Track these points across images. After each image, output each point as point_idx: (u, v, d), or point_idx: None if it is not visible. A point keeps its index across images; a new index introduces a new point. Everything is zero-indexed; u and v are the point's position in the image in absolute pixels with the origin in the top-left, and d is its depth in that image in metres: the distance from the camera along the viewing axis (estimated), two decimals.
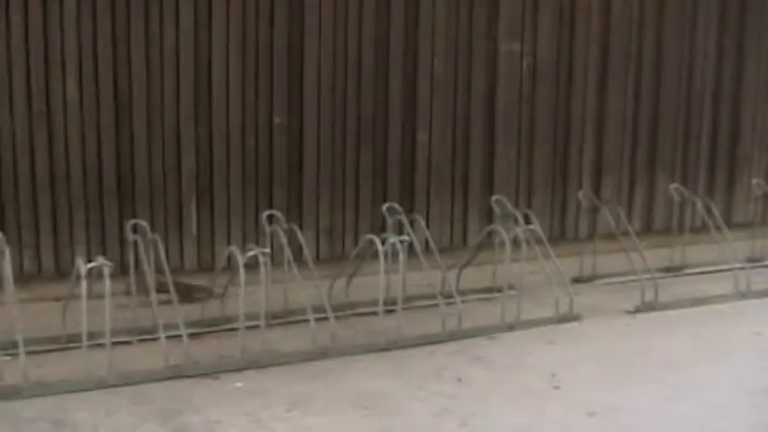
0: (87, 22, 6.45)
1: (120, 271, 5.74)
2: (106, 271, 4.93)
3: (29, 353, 4.89)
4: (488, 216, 7.20)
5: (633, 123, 8.16)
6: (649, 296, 6.41)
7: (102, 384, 4.94)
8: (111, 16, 6.50)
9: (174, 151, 6.79)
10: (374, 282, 5.71)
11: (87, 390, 4.90)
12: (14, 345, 4.85)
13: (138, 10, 6.55)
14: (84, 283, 4.89)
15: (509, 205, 6.52)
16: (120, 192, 6.67)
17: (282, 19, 6.92)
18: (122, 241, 6.23)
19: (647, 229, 8.16)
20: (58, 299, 5.70)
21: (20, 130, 6.42)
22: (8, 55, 6.32)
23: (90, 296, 4.92)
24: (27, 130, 6.43)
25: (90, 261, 5.04)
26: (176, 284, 5.63)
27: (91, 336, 4.96)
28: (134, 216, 6.34)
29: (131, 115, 6.65)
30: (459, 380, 5.19)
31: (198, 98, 6.80)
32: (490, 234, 6.44)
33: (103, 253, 6.00)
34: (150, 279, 5.38)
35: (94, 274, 4.96)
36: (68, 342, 5.36)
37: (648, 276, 6.45)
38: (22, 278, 6.12)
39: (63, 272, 6.37)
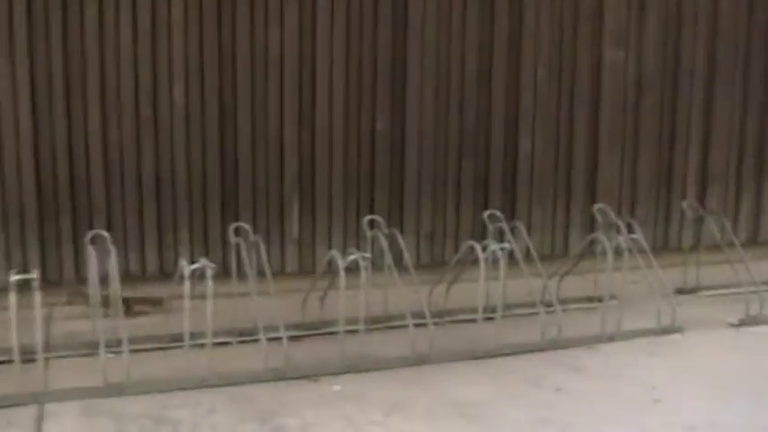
0: (194, 28, 6.56)
1: (223, 272, 5.80)
2: (209, 272, 4.99)
3: (132, 351, 4.97)
4: (590, 225, 7.13)
5: (740, 132, 8.00)
6: (754, 309, 6.28)
7: (202, 384, 5.01)
8: (217, 23, 6.60)
9: (277, 155, 6.87)
10: (474, 289, 5.69)
11: (188, 389, 4.97)
12: (118, 343, 4.94)
13: (243, 16, 6.64)
14: (187, 284, 4.96)
15: (612, 214, 6.44)
16: (223, 194, 6.77)
17: (386, 24, 6.94)
18: (225, 243, 6.31)
19: (752, 241, 8.00)
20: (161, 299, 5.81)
21: (127, 134, 6.55)
22: (117, 61, 6.46)
23: (193, 297, 5.00)
24: (134, 134, 6.56)
25: (193, 262, 5.11)
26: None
27: (192, 336, 5.03)
28: (237, 219, 6.43)
29: (236, 120, 6.74)
30: (558, 390, 5.15)
31: (302, 103, 6.86)
32: (592, 243, 6.37)
33: (206, 254, 6.10)
34: (253, 281, 5.43)
35: (197, 276, 5.03)
36: (171, 341, 5.45)
37: (754, 289, 6.32)
38: (127, 278, 6.23)
39: (167, 273, 6.48)
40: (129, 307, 5.93)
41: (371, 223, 6.06)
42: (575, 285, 6.50)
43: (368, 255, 5.47)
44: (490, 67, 7.23)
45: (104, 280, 5.24)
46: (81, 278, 6.31)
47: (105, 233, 5.39)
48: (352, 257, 5.34)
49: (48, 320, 5.77)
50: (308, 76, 6.86)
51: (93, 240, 5.35)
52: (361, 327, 5.37)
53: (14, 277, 4.72)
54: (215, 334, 5.14)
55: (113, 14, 6.40)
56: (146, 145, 6.60)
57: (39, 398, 4.79)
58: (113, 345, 5.00)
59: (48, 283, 6.06)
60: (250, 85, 6.75)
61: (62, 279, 6.55)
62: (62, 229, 6.52)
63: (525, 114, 7.37)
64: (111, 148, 6.54)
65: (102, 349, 4.89)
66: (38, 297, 4.74)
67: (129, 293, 6.00)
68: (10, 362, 4.79)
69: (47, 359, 5.07)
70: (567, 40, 7.39)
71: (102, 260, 5.28)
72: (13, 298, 4.67)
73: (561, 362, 5.56)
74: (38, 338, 4.83)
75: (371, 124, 7.04)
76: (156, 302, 6.05)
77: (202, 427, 4.56)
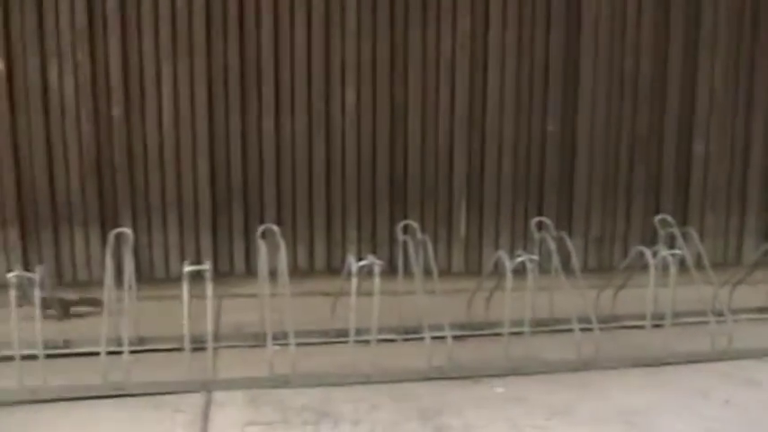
0: (367, 30, 6.65)
1: (390, 270, 5.84)
2: (376, 269, 5.02)
3: (298, 344, 5.04)
4: (766, 232, 6.94)
5: None
6: None
7: (365, 380, 5.04)
8: (390, 25, 6.67)
9: (446, 155, 6.89)
10: (642, 295, 5.58)
11: (351, 384, 5.02)
12: (285, 336, 5.03)
13: (415, 18, 6.69)
14: (354, 281, 5.01)
15: None
16: (392, 193, 6.83)
17: (559, 26, 6.89)
18: (392, 241, 6.37)
19: None
20: (328, 294, 5.88)
21: (299, 132, 6.68)
22: (292, 62, 6.60)
23: (359, 293, 5.04)
24: (306, 132, 6.69)
25: (361, 259, 5.15)
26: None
27: (358, 332, 5.08)
28: (405, 217, 6.48)
29: (407, 120, 6.80)
30: (727, 402, 5.01)
31: (472, 104, 6.87)
32: (767, 252, 6.19)
33: (373, 252, 6.16)
34: (419, 280, 5.44)
35: (365, 272, 5.07)
36: (336, 336, 5.51)
37: None
38: (296, 272, 6.35)
39: (334, 268, 6.58)
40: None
41: (540, 225, 6.01)
42: (747, 295, 6.32)
43: (535, 257, 5.43)
44: (665, 69, 7.10)
45: (273, 273, 5.33)
46: (251, 270, 6.46)
47: (276, 227, 5.49)
48: (519, 259, 5.30)
49: (218, 311, 5.91)
50: (479, 78, 6.86)
51: (264, 234, 5.46)
52: (526, 329, 5.32)
53: (188, 268, 4.86)
54: (380, 331, 5.17)
55: (288, 16, 6.54)
56: (317, 143, 6.71)
57: (207, 386, 4.91)
58: (280, 337, 5.09)
59: (219, 274, 6.23)
60: (421, 86, 6.79)
61: (233, 271, 6.72)
62: (234, 222, 6.70)
63: (700, 118, 7.21)
64: (283, 145, 6.68)
65: (269, 341, 4.98)
66: (210, 288, 4.86)
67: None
68: (181, 350, 4.93)
69: (216, 349, 5.20)
70: (745, 42, 7.19)
71: (271, 254, 5.37)
72: (185, 288, 4.80)
73: (731, 373, 5.40)
74: (208, 328, 4.95)
75: (542, 126, 7.00)
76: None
77: (364, 422, 4.59)
